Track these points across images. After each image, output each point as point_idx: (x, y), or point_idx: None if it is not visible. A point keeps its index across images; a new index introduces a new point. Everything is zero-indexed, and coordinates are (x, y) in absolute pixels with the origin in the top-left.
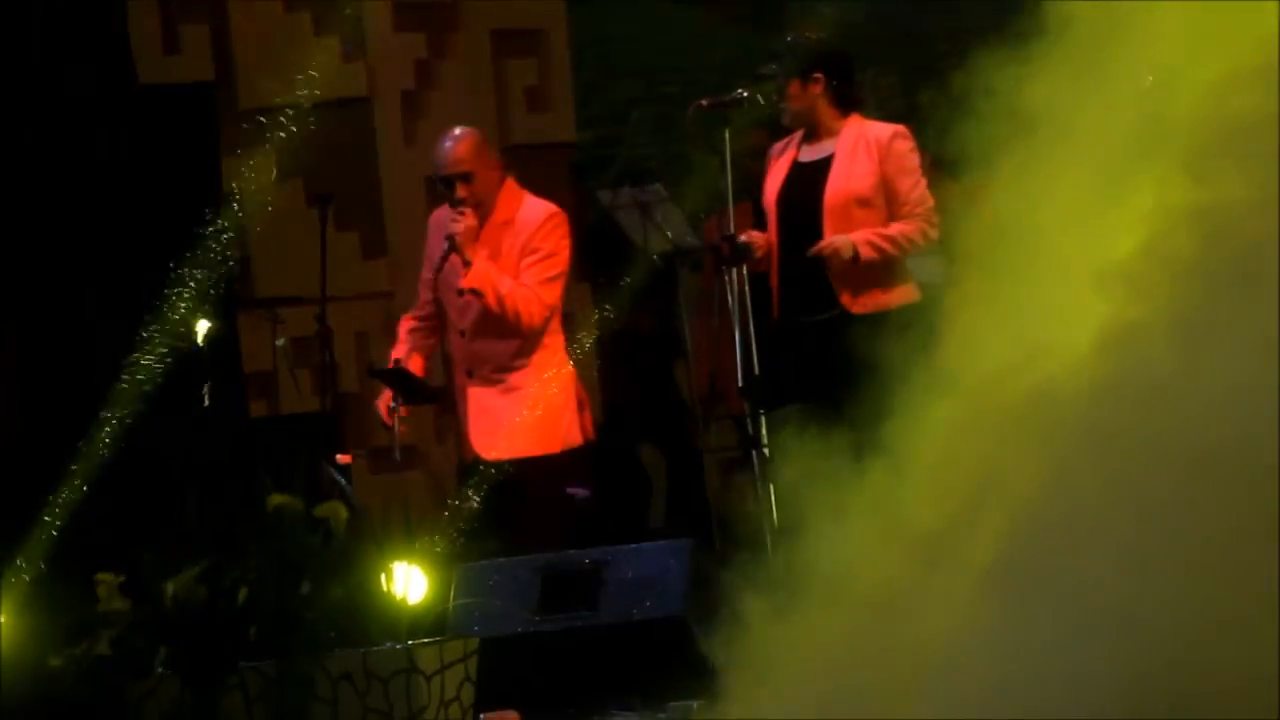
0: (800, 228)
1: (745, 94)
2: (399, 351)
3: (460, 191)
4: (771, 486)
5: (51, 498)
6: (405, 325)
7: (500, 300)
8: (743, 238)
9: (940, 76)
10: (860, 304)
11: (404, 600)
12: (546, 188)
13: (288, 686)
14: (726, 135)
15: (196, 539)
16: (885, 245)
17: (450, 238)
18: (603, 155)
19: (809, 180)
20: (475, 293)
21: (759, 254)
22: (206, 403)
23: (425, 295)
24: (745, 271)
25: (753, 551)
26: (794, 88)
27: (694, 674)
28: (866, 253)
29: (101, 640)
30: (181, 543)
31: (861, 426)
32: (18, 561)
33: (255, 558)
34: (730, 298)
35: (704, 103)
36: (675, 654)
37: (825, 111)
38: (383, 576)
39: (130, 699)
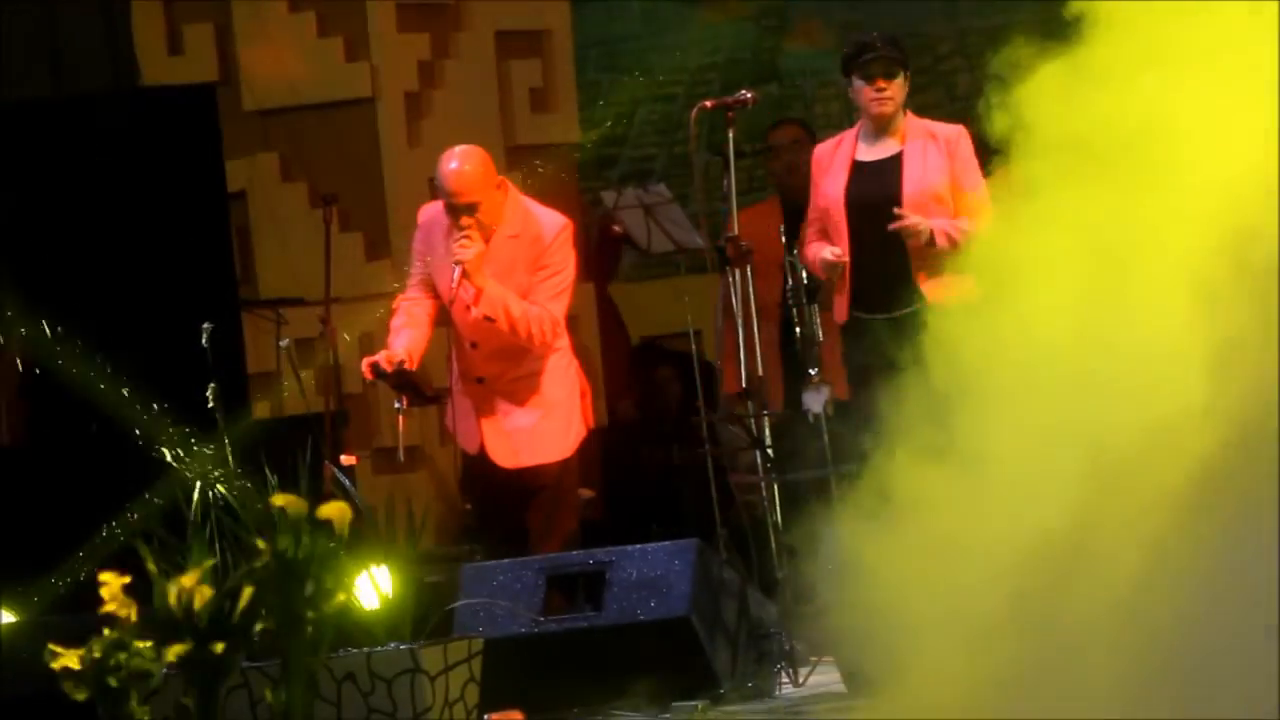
0: (876, 226)
1: (749, 94)
2: (394, 344)
3: (465, 220)
4: (776, 487)
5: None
6: (399, 309)
7: (513, 324)
8: (828, 255)
9: (943, 77)
10: (939, 295)
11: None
12: (550, 189)
13: (291, 687)
14: (730, 136)
15: (199, 539)
16: (958, 237)
17: (459, 264)
18: (607, 156)
19: (880, 178)
20: (488, 318)
21: (840, 267)
22: (210, 403)
23: (416, 292)
24: (749, 273)
25: (757, 552)
26: (901, 79)
27: (698, 674)
28: (941, 241)
29: (104, 640)
30: (184, 543)
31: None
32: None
33: (259, 558)
34: (735, 299)
35: (708, 104)
36: (679, 654)
37: (901, 111)
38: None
39: (133, 700)
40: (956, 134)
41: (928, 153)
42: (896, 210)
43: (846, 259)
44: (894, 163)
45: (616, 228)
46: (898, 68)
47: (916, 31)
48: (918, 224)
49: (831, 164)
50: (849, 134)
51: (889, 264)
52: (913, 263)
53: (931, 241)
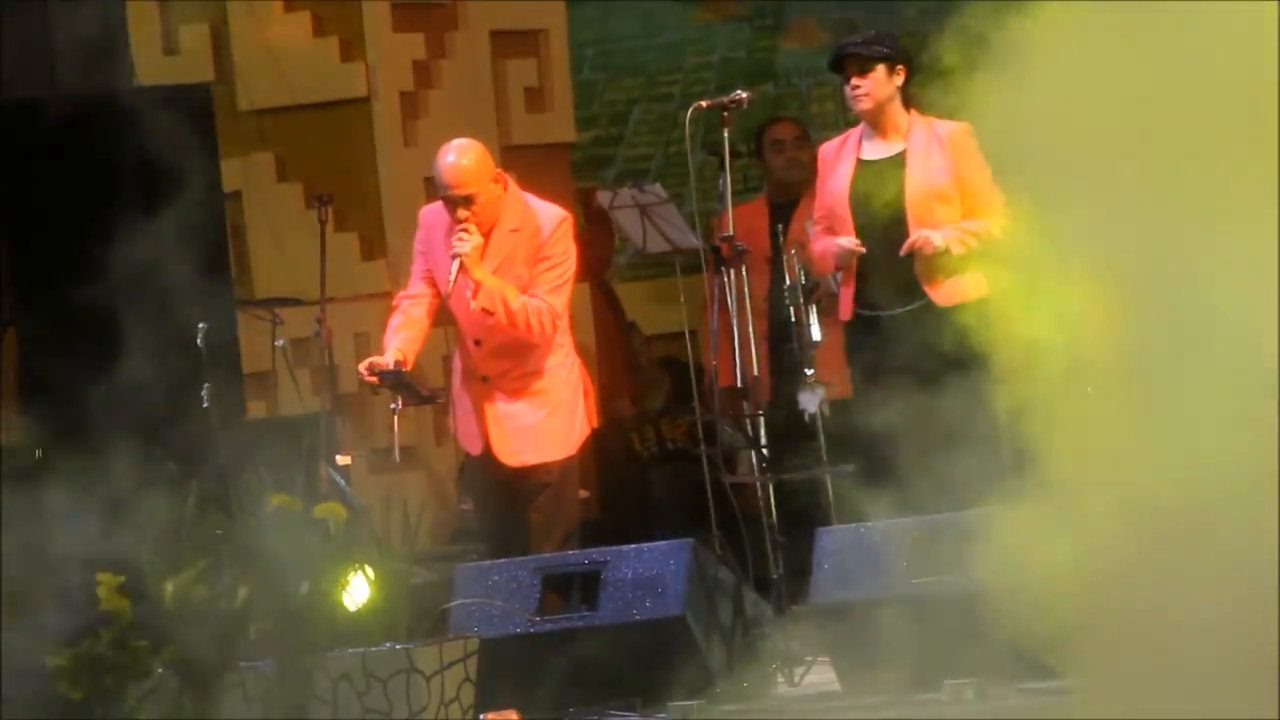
0: (881, 224)
1: (745, 94)
2: (391, 336)
3: (462, 212)
4: (771, 486)
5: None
6: (399, 307)
7: (511, 317)
8: (845, 243)
9: (940, 76)
10: (944, 296)
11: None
12: (546, 188)
13: (287, 687)
14: (725, 136)
15: (196, 539)
16: (971, 241)
17: (456, 256)
18: (602, 155)
19: (883, 177)
20: (486, 311)
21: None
22: (205, 403)
23: (417, 288)
24: (744, 271)
25: (753, 551)
26: (880, 73)
27: (693, 674)
28: (958, 249)
29: (101, 640)
30: (181, 543)
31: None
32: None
33: (255, 558)
34: (730, 298)
35: (704, 103)
36: (675, 654)
37: (897, 106)
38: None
39: (130, 699)
40: (958, 131)
41: (930, 151)
42: (905, 248)
43: (863, 248)
44: (897, 161)
45: (598, 203)
46: (873, 62)
47: (914, 30)
48: (928, 240)
49: (836, 162)
50: (854, 132)
51: (893, 261)
52: (916, 261)
53: (947, 250)
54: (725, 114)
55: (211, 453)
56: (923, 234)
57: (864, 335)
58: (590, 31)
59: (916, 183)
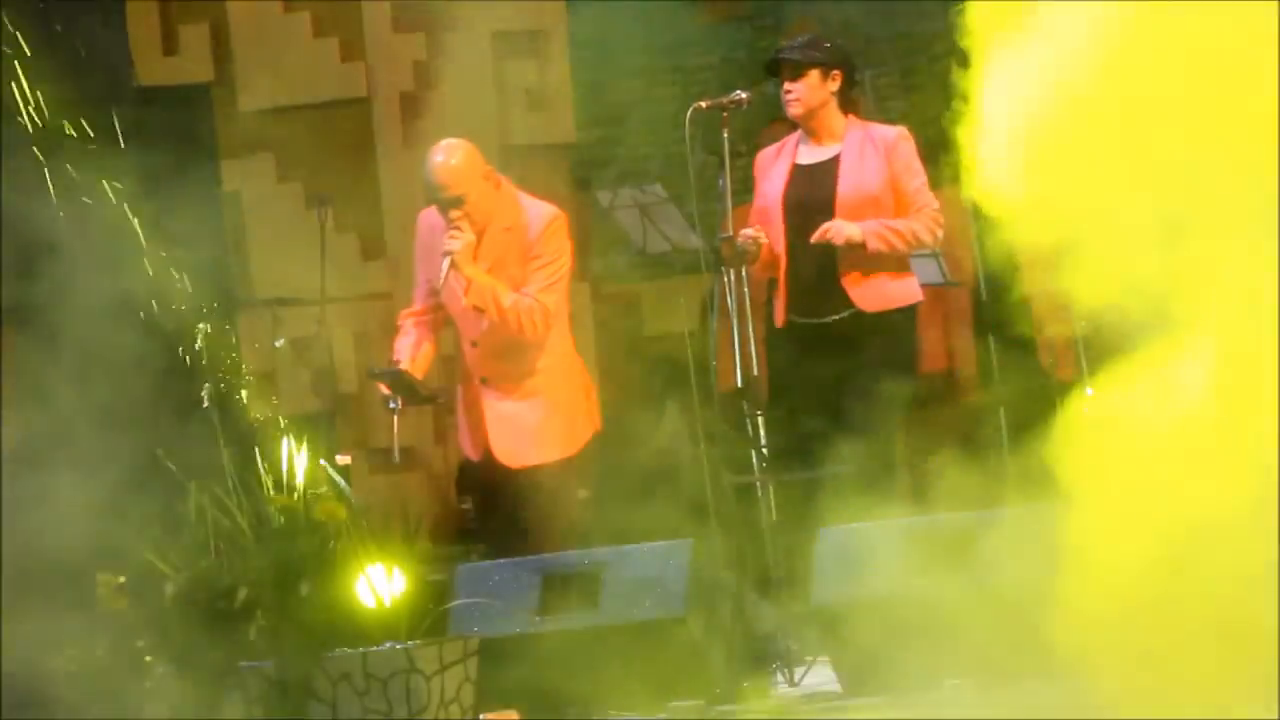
0: (811, 229)
1: (744, 95)
2: (399, 353)
3: (454, 213)
4: (771, 486)
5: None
6: (403, 326)
7: (503, 314)
8: (748, 232)
9: (939, 77)
10: (870, 302)
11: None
12: (546, 188)
13: (287, 687)
14: (725, 136)
15: (195, 539)
16: (893, 238)
17: (448, 255)
18: (602, 156)
19: (816, 181)
20: (477, 309)
21: (756, 248)
22: (205, 403)
23: (421, 302)
24: (745, 272)
25: (752, 550)
26: (813, 78)
27: (694, 674)
28: (874, 244)
29: (101, 640)
30: (181, 543)
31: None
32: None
33: (255, 558)
34: (729, 298)
35: (703, 104)
36: (675, 654)
37: (832, 111)
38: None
39: (130, 699)
40: (895, 136)
41: (865, 155)
42: (815, 236)
43: (765, 239)
44: (830, 165)
45: None
46: (805, 67)
47: (910, 31)
48: (840, 229)
49: (772, 167)
50: (791, 137)
51: (822, 268)
52: (840, 268)
53: (864, 245)
54: (725, 114)
55: (211, 453)
56: (836, 223)
57: (793, 343)
58: (590, 31)
59: (849, 187)
